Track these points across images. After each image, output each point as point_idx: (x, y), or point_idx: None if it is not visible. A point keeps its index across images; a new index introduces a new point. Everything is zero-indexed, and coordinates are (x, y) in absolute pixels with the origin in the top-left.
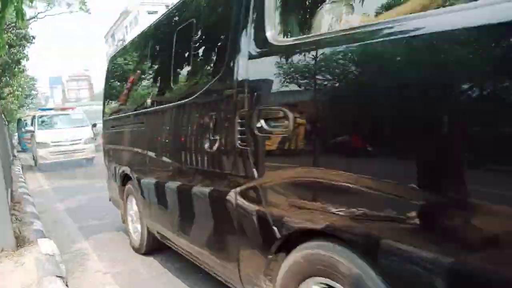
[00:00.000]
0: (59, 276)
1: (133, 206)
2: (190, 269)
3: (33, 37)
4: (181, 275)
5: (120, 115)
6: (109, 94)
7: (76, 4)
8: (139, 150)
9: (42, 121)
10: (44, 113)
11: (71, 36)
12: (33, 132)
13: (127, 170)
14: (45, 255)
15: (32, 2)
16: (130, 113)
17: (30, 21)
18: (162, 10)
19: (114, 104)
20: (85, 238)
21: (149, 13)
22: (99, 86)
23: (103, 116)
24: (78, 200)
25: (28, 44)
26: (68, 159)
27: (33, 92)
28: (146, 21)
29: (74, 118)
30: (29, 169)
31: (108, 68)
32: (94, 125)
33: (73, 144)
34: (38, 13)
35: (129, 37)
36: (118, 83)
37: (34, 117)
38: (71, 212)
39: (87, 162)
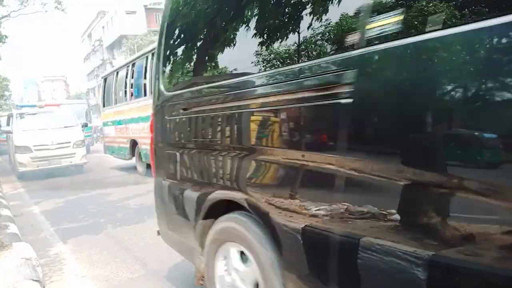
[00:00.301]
0: (36, 280)
1: (232, 264)
2: None
3: (6, 37)
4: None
5: (222, 85)
6: (173, 53)
7: (51, 3)
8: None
9: (22, 121)
10: (24, 110)
11: (46, 36)
12: (11, 133)
13: (234, 196)
14: (21, 259)
15: (3, 0)
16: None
17: (2, 20)
18: (140, 11)
19: (188, 69)
20: (63, 241)
21: (127, 13)
22: (76, 87)
23: (103, 112)
24: (56, 202)
25: (0, 44)
26: (54, 166)
27: (6, 93)
28: (124, 22)
29: (61, 117)
30: (3, 172)
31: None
32: (85, 125)
33: (60, 147)
34: (11, 11)
35: (106, 37)
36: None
37: (11, 115)
38: (48, 215)
39: (76, 169)
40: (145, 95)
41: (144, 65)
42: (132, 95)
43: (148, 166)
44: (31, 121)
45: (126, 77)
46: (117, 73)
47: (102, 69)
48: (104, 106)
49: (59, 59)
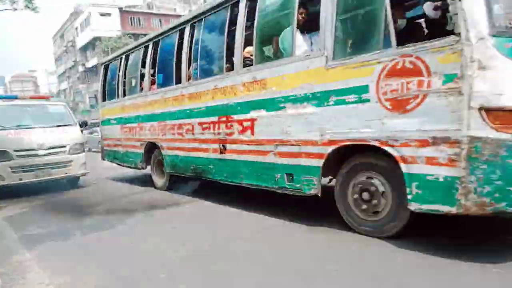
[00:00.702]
0: None
1: None
2: None
3: None
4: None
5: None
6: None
7: (21, 1)
8: None
9: None
10: (1, 102)
11: (15, 35)
12: None
13: None
14: None
15: None
16: None
17: None
18: (115, 13)
19: None
20: (27, 248)
21: (101, 15)
22: (46, 88)
23: (103, 108)
24: (20, 207)
25: None
26: (43, 179)
27: None
28: (98, 23)
29: (53, 113)
30: None
31: None
32: (84, 124)
33: (52, 153)
34: None
35: (80, 39)
36: None
37: None
38: (11, 221)
39: (70, 182)
40: (177, 82)
41: (176, 41)
42: (153, 84)
43: (173, 177)
44: (11, 117)
45: (144, 61)
46: (127, 56)
47: (74, 70)
48: (104, 100)
49: (29, 60)
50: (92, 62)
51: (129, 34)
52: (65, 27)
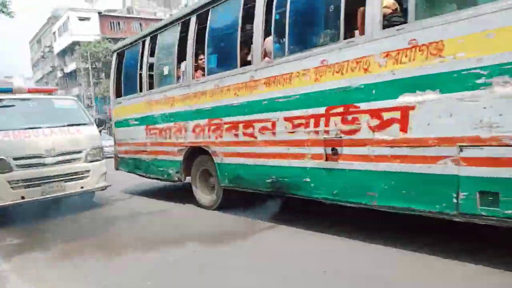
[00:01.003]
0: None
1: None
2: None
3: None
4: None
5: None
6: None
7: None
8: None
9: None
10: None
11: None
12: None
13: None
14: None
15: None
16: None
17: None
18: (94, 17)
19: None
20: (5, 259)
21: (80, 20)
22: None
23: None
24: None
25: None
26: (52, 196)
27: None
28: (76, 28)
29: (62, 109)
30: None
31: None
32: (102, 123)
33: (63, 161)
34: None
35: (58, 44)
36: None
37: None
38: None
39: (81, 199)
40: (242, 65)
41: (240, 8)
42: (199, 71)
43: (226, 192)
44: (8, 114)
45: (183, 41)
46: (153, 38)
47: (52, 76)
48: (118, 95)
49: (4, 66)
50: (70, 67)
51: (108, 38)
52: (42, 32)
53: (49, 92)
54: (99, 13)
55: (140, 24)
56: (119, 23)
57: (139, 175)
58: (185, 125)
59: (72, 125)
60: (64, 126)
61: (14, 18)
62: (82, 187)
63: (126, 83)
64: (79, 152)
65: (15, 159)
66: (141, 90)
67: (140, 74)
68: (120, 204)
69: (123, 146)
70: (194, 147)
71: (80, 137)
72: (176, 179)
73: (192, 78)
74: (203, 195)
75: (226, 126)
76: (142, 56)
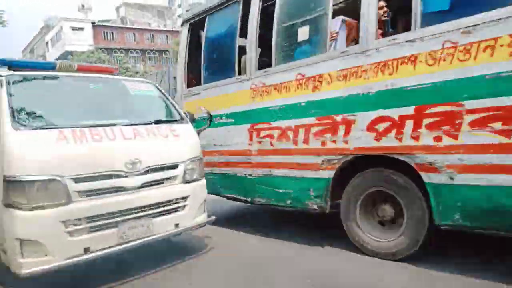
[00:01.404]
0: None
1: None
2: None
3: None
4: None
5: None
6: None
7: None
8: None
9: (22, 101)
10: (27, 73)
11: None
12: None
13: None
14: None
15: None
16: None
17: None
18: (88, 27)
19: None
20: None
21: (73, 29)
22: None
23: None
24: None
25: None
26: (133, 244)
27: None
28: (69, 37)
29: (139, 96)
30: None
31: None
32: (210, 117)
33: (153, 182)
34: None
35: (51, 53)
36: None
37: None
38: None
39: (169, 245)
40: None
41: None
42: (384, 32)
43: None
44: (60, 103)
45: None
46: None
47: None
48: (195, 84)
49: None
50: None
51: (102, 48)
52: (35, 42)
53: (110, 72)
54: (93, 23)
55: (134, 35)
56: (112, 33)
57: (228, 197)
58: (345, 119)
59: (161, 121)
60: (149, 123)
61: (7, 27)
62: (177, 224)
63: (209, 66)
64: (175, 167)
65: (76, 180)
66: (239, 73)
67: (242, 48)
68: (221, 246)
69: (210, 155)
70: (367, 155)
71: (176, 143)
72: (315, 207)
73: (375, 38)
74: (372, 236)
75: (470, 117)
76: (244, 20)
